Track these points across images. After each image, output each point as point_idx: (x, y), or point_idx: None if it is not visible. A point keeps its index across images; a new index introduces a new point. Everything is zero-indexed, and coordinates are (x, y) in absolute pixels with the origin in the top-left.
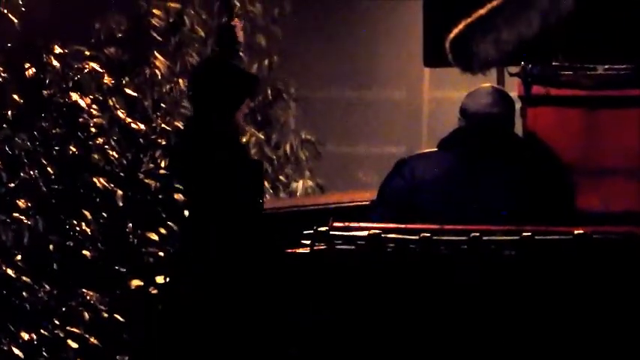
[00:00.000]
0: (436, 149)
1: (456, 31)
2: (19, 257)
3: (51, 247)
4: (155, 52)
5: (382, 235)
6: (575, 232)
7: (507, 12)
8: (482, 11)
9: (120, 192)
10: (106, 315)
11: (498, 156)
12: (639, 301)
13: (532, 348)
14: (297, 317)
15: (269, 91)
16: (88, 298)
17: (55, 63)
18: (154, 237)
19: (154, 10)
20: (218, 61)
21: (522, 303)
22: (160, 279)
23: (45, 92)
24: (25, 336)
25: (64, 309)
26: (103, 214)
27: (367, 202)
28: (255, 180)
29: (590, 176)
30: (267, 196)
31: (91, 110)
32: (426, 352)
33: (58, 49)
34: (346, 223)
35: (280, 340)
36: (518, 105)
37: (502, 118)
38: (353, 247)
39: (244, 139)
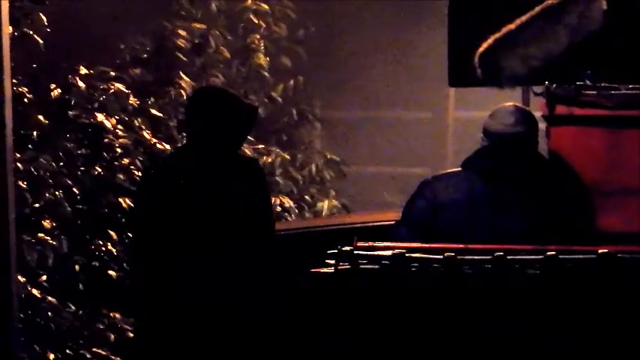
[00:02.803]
0: (460, 169)
1: (485, 45)
2: (44, 277)
3: (76, 267)
4: (180, 72)
5: (406, 255)
6: (600, 251)
7: (535, 27)
8: (511, 26)
9: None
10: (131, 335)
11: (520, 176)
12: None
13: None
14: (322, 341)
15: (294, 112)
16: (113, 318)
17: (81, 84)
18: None
19: (179, 31)
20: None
21: (548, 321)
22: None
23: (70, 113)
24: (51, 356)
25: (89, 330)
26: (128, 234)
27: (392, 222)
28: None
29: (613, 196)
30: (292, 216)
31: (116, 131)
32: None
33: (83, 70)
34: (370, 243)
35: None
36: (542, 125)
37: (525, 137)
38: (377, 266)
39: (269, 159)
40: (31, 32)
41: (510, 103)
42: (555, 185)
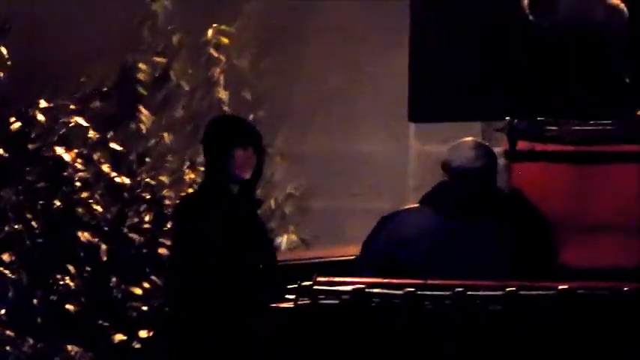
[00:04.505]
0: (419, 205)
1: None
2: (3, 311)
3: (35, 301)
4: (140, 106)
5: (366, 290)
6: (560, 287)
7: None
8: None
9: (104, 246)
10: None
11: (481, 211)
12: (624, 355)
13: None
14: None
15: None
16: (71, 352)
17: (41, 117)
18: (138, 291)
19: (140, 65)
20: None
21: (509, 357)
22: (143, 333)
23: (30, 146)
24: None
25: None
26: (87, 268)
27: (352, 257)
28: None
29: (576, 232)
30: None
31: (76, 164)
32: None
33: (43, 103)
34: (330, 278)
35: None
36: (502, 160)
37: (485, 173)
38: (337, 301)
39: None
40: None
41: (470, 138)
42: (517, 221)
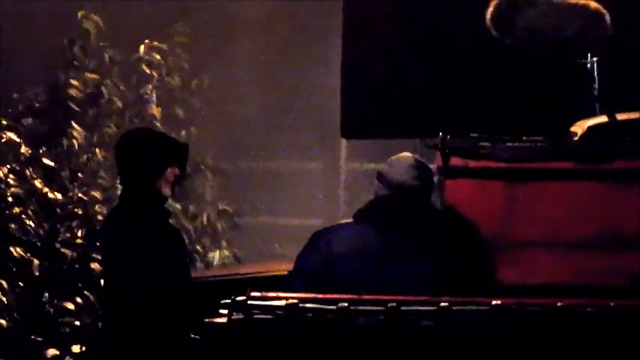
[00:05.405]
0: (352, 221)
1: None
2: None
3: None
4: (73, 122)
5: (300, 305)
6: (493, 302)
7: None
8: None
9: (36, 261)
10: None
11: (415, 227)
12: None
13: None
14: None
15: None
16: None
17: None
18: (71, 306)
19: (72, 81)
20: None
21: None
22: (76, 348)
23: None
24: None
25: None
26: (20, 283)
27: (284, 273)
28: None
29: (508, 249)
30: None
31: (8, 180)
32: None
33: None
34: (264, 293)
35: None
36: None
37: (423, 189)
38: (271, 316)
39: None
40: None
41: (408, 154)
42: (451, 238)
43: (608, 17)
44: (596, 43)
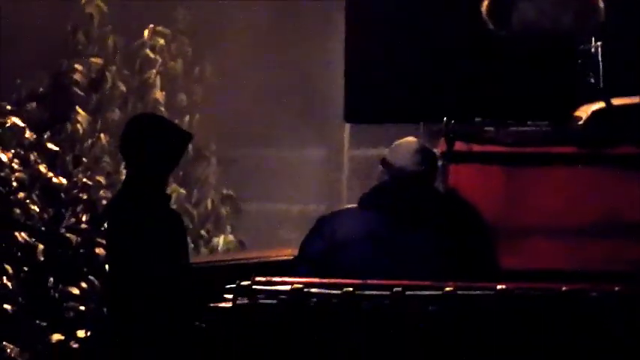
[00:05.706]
0: (357, 206)
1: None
2: None
3: None
4: (77, 107)
5: (305, 290)
6: (498, 287)
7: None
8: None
9: (41, 246)
10: None
11: (420, 213)
12: (560, 355)
13: None
14: None
15: (190, 149)
16: (8, 351)
17: None
18: (75, 291)
19: (76, 67)
20: (151, 117)
21: (445, 357)
22: (81, 333)
23: None
24: None
25: None
26: (24, 268)
27: (289, 259)
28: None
29: (511, 234)
30: None
31: (13, 165)
32: None
33: None
34: (268, 278)
35: None
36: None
37: (427, 174)
38: (275, 301)
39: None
40: None
41: (412, 139)
42: (455, 222)
43: (601, 3)
44: (593, 30)
